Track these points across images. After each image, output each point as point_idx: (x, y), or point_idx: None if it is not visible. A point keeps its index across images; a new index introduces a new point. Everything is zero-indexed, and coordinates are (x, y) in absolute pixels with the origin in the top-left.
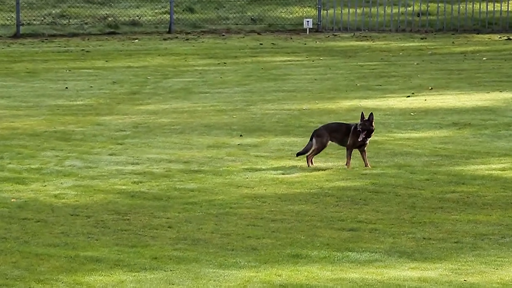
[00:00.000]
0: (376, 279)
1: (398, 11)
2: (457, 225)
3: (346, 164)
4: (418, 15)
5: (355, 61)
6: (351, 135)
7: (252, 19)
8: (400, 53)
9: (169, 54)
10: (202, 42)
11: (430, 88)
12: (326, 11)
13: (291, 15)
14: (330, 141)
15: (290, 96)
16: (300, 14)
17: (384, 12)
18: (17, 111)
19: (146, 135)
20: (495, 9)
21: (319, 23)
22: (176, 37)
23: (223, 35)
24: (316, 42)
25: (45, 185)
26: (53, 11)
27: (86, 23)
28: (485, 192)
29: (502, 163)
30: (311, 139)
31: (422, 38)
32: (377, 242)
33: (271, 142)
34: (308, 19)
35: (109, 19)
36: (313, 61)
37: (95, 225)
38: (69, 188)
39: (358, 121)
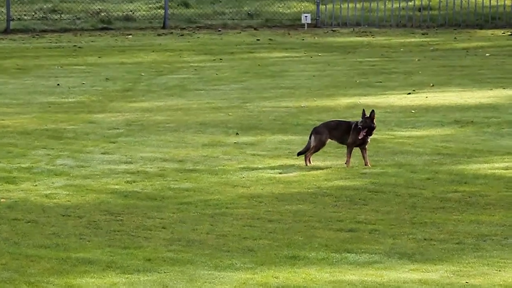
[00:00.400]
0: (375, 281)
1: (399, 6)
2: (459, 226)
3: (345, 163)
4: (420, 10)
5: (355, 57)
6: (352, 132)
7: (249, 14)
8: (401, 49)
9: (163, 50)
10: (198, 37)
11: (431, 85)
12: (324, 6)
13: (289, 10)
14: (329, 139)
15: (288, 93)
16: (298, 9)
17: (385, 7)
18: (7, 108)
19: (140, 133)
20: (499, 3)
21: (317, 18)
22: (171, 33)
23: (219, 30)
24: (314, 37)
25: (36, 185)
26: (45, 6)
27: (78, 18)
28: (488, 191)
29: (505, 162)
30: (310, 137)
31: (423, 34)
32: (377, 243)
33: (268, 140)
34: (306, 14)
35: (102, 14)
36: (311, 57)
37: (87, 225)
38: (61, 188)
39: (359, 119)
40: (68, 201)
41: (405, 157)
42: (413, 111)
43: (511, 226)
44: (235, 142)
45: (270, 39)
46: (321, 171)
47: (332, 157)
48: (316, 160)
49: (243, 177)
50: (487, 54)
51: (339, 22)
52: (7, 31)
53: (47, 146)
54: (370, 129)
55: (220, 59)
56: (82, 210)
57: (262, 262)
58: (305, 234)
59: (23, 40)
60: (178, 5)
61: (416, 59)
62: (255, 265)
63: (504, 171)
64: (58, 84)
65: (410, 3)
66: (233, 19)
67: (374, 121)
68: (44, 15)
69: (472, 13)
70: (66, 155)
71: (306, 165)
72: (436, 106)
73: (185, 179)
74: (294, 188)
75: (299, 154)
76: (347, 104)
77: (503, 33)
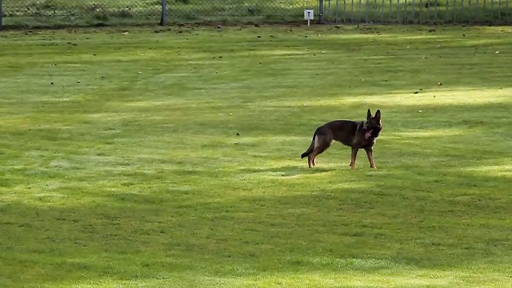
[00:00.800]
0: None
1: (405, 2)
2: (468, 230)
3: (350, 165)
4: (427, 5)
5: (359, 55)
6: (357, 133)
7: (249, 10)
8: (407, 46)
9: (161, 47)
10: (196, 34)
11: (439, 83)
12: (328, 2)
13: (291, 6)
14: (333, 140)
15: (290, 92)
16: (301, 4)
17: (390, 2)
18: None
19: (137, 133)
20: None
21: (321, 14)
22: (169, 29)
23: (219, 27)
24: (317, 34)
25: (30, 187)
26: (38, 2)
27: (72, 14)
28: (498, 194)
29: None
30: (313, 138)
31: (430, 31)
32: (383, 248)
33: (270, 141)
34: (309, 10)
35: (97, 10)
36: (314, 55)
37: (82, 230)
38: (55, 191)
39: (364, 119)
40: (63, 204)
41: (412, 158)
42: (420, 111)
43: None
44: (235, 143)
45: (271, 36)
46: (325, 173)
47: (336, 158)
48: (320, 162)
49: (244, 180)
50: (496, 52)
51: (343, 19)
52: None
53: (41, 147)
54: (375, 130)
55: (220, 56)
56: (77, 213)
57: (264, 267)
58: (308, 239)
59: (15, 37)
60: (176, 0)
61: (423, 57)
62: (257, 271)
63: None
64: (52, 83)
65: None
66: (233, 15)
67: (380, 122)
68: (37, 11)
69: (481, 9)
70: (61, 156)
71: (310, 167)
72: (444, 105)
73: (184, 182)
74: (297, 191)
75: (303, 156)
76: (351, 103)
77: None
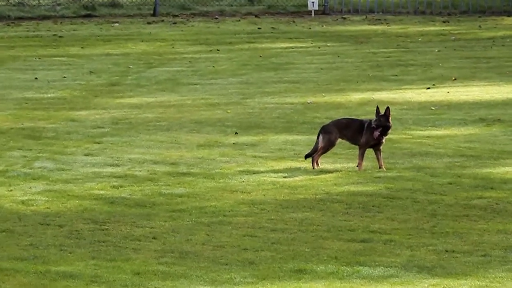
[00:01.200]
0: None
1: None
2: (484, 236)
3: (357, 166)
4: None
5: (368, 47)
6: (365, 132)
7: None
8: (419, 39)
9: (153, 39)
10: (192, 26)
11: (453, 78)
12: None
13: None
14: (339, 139)
15: (292, 88)
16: None
17: None
18: None
19: (128, 132)
20: None
21: (326, 4)
22: (162, 21)
23: (216, 18)
24: (322, 26)
25: (11, 190)
26: None
27: (58, 4)
28: None
29: None
30: (318, 137)
31: (444, 22)
32: (393, 255)
33: (270, 140)
34: (313, 0)
35: None
36: (319, 48)
37: (68, 235)
38: (39, 194)
39: (372, 117)
40: (47, 208)
41: (424, 159)
42: (433, 108)
43: None
44: (234, 143)
45: (272, 27)
46: (330, 175)
47: (342, 159)
48: (324, 163)
49: (243, 182)
50: None
51: (350, 9)
52: None
53: (24, 147)
54: (385, 128)
55: (217, 50)
56: (63, 218)
57: (264, 276)
58: (312, 245)
59: None
60: None
61: (436, 50)
62: (257, 280)
63: None
64: (36, 78)
65: None
66: (232, 5)
67: (390, 119)
68: (20, 1)
69: None
70: (45, 157)
71: (314, 168)
72: (458, 102)
73: (178, 184)
74: (300, 194)
75: (306, 156)
76: (359, 100)
77: None
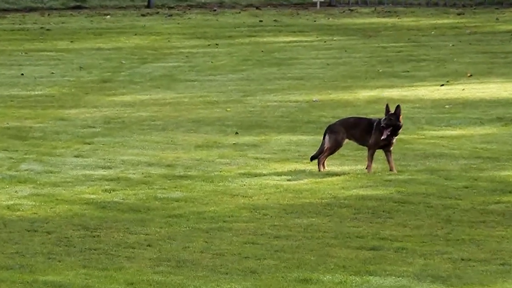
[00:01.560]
0: None
1: None
2: (503, 243)
3: (366, 168)
4: None
5: (377, 42)
6: (374, 132)
7: None
8: (432, 32)
9: (148, 33)
10: (189, 18)
11: (469, 75)
12: None
13: None
14: (347, 139)
15: (297, 85)
16: None
17: None
18: None
19: (121, 132)
20: None
21: None
22: (157, 13)
23: (215, 10)
24: (328, 18)
25: None
26: None
27: None
28: None
29: None
30: (324, 137)
31: (459, 14)
32: (405, 264)
33: (273, 141)
34: None
35: None
36: (325, 42)
37: (57, 243)
38: (26, 198)
39: (382, 115)
40: (35, 213)
41: (438, 161)
42: (447, 106)
43: None
44: (234, 143)
45: (275, 20)
46: (337, 178)
47: (350, 161)
48: (331, 165)
49: (244, 185)
50: None
51: (357, 0)
52: None
53: (10, 148)
54: (395, 127)
55: (216, 44)
56: (51, 224)
57: (267, 286)
58: (318, 253)
59: None
60: None
61: (451, 44)
62: None
63: None
64: (22, 74)
65: None
66: None
67: (400, 118)
68: None
69: None
70: (32, 158)
71: (320, 170)
72: (474, 100)
73: (175, 187)
74: (305, 198)
75: (312, 158)
76: (367, 98)
77: None
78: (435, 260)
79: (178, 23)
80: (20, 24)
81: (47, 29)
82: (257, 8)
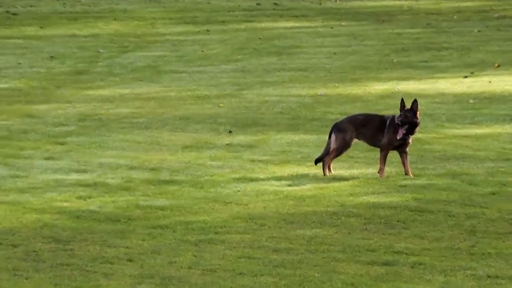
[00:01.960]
0: None
1: None
2: None
3: (378, 172)
4: None
5: (391, 27)
6: (387, 130)
7: None
8: (454, 17)
9: (129, 18)
10: (176, 1)
11: (496, 65)
12: None
13: None
14: (356, 139)
15: (299, 77)
16: None
17: None
18: None
19: (97, 131)
20: None
21: None
22: None
23: None
24: (335, 1)
25: None
26: None
27: None
28: None
29: None
30: (329, 137)
31: None
32: (422, 281)
33: (272, 141)
34: None
35: None
36: (331, 28)
37: (24, 257)
38: None
39: (397, 112)
40: None
41: (460, 163)
42: (471, 101)
43: None
44: (227, 144)
45: (275, 3)
46: (345, 183)
47: (360, 163)
48: (338, 168)
49: (239, 191)
50: None
51: None
52: None
53: None
54: (411, 125)
55: (207, 30)
56: (17, 236)
57: None
58: (323, 269)
59: None
60: None
61: (476, 30)
62: None
63: None
64: None
65: None
66: None
67: (418, 115)
68: None
69: None
70: None
71: (325, 174)
72: (502, 94)
73: (160, 194)
74: (308, 206)
75: (316, 161)
76: (380, 91)
77: None
78: (457, 277)
79: (164, 7)
80: None
81: (13, 14)
82: None
